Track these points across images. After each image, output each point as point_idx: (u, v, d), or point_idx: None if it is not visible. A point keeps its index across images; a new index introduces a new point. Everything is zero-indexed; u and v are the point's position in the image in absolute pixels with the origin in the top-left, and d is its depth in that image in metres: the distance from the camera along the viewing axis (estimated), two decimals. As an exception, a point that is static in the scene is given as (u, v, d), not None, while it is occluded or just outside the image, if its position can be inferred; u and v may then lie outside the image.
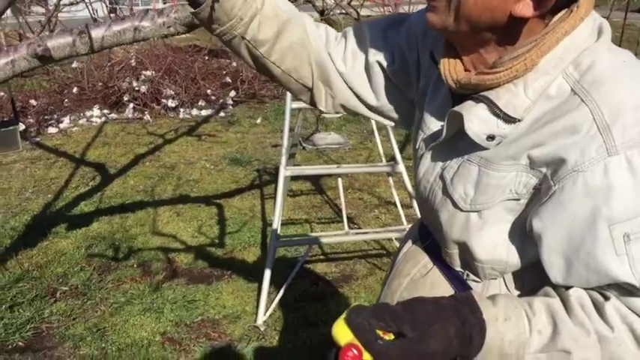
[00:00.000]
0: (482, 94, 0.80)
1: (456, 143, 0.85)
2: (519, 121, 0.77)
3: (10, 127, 2.13)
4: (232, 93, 7.28)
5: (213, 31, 0.93)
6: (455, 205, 0.87)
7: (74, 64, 7.20)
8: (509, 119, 0.78)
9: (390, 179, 3.54)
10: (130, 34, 2.06)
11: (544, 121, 0.76)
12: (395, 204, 3.50)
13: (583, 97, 0.73)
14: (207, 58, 7.99)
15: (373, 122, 3.44)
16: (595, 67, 0.75)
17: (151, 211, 3.97)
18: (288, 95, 2.93)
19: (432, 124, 0.92)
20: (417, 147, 0.96)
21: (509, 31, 0.78)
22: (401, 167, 2.98)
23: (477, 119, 0.79)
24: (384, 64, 1.01)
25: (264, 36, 0.95)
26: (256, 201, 4.22)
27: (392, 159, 3.19)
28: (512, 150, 0.79)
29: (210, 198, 4.27)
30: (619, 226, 0.70)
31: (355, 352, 0.71)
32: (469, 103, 0.81)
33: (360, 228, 3.74)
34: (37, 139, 5.59)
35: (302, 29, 0.99)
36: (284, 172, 2.79)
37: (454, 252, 0.93)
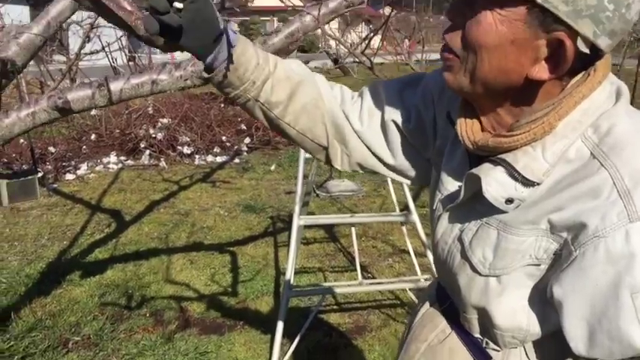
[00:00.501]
0: (500, 156, 0.79)
1: (474, 205, 0.84)
2: (538, 184, 0.77)
3: (29, 177, 2.16)
4: (247, 140, 7.36)
5: (227, 94, 0.94)
6: (473, 269, 0.85)
7: (93, 112, 7.35)
8: (527, 182, 0.77)
9: (404, 228, 3.52)
10: (147, 87, 2.11)
11: (564, 185, 0.75)
12: (409, 252, 3.47)
13: (602, 161, 0.73)
14: (222, 105, 8.13)
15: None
16: (614, 131, 0.74)
17: (164, 259, 3.97)
18: (302, 145, 2.96)
19: (450, 185, 0.91)
20: (434, 207, 0.95)
21: (526, 93, 0.78)
22: (414, 217, 2.97)
23: (495, 182, 0.79)
24: (400, 123, 1.02)
25: (277, 98, 0.96)
26: (270, 249, 4.21)
27: (405, 207, 3.18)
28: (532, 214, 0.78)
29: (223, 245, 4.27)
30: None
31: None
32: (487, 165, 0.81)
33: (373, 277, 3.70)
34: (55, 185, 5.67)
35: (315, 90, 1.01)
36: (297, 222, 2.79)
37: (473, 317, 0.91)
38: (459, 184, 0.88)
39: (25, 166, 5.85)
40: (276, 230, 4.61)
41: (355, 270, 3.42)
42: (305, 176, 3.16)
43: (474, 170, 0.82)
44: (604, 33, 0.70)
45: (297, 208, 2.82)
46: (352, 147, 1.05)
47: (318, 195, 5.56)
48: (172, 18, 0.77)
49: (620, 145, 0.73)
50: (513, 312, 0.84)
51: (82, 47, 4.59)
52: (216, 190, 5.67)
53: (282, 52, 2.08)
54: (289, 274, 2.69)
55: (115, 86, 2.08)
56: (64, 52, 9.83)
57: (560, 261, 0.77)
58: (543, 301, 0.81)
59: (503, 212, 0.80)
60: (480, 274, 0.85)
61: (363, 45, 6.61)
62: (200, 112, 7.39)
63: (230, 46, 0.87)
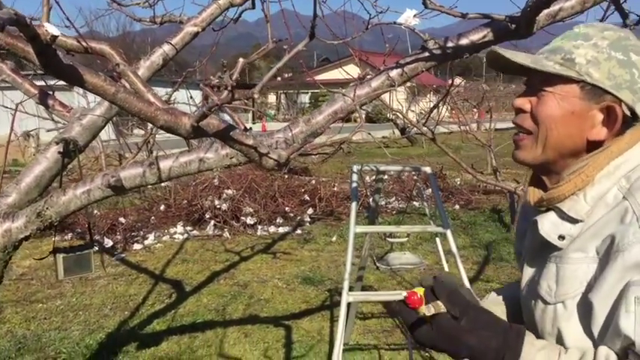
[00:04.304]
0: (554, 205, 0.99)
1: (542, 253, 1.03)
2: (581, 221, 0.96)
3: (84, 252, 2.26)
4: (310, 210, 7.41)
5: None
6: (543, 300, 1.00)
7: (163, 183, 7.66)
8: (573, 220, 0.97)
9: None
10: (195, 165, 2.16)
11: (602, 220, 0.94)
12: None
13: (628, 196, 0.93)
14: (286, 176, 8.28)
15: (439, 246, 3.35)
16: None
17: (219, 332, 3.96)
18: (352, 218, 2.93)
19: (528, 245, 1.10)
20: (521, 268, 1.13)
21: (592, 150, 0.98)
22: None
23: (547, 222, 0.99)
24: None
25: None
26: (325, 323, 4.13)
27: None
28: (578, 244, 0.95)
29: (279, 319, 4.23)
30: (635, 288, 0.85)
31: (418, 297, 0.94)
32: (543, 213, 1.01)
33: (432, 358, 3.53)
34: (123, 255, 5.87)
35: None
36: (346, 299, 2.73)
37: None
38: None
39: (98, 237, 6.11)
40: (333, 304, 4.53)
41: (414, 349, 3.29)
42: (358, 249, 3.11)
43: (534, 218, 1.02)
44: (639, 100, 0.94)
45: (345, 285, 2.76)
46: None
47: (378, 268, 5.47)
48: None
49: None
50: (582, 334, 0.94)
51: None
52: (276, 262, 5.69)
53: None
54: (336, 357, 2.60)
55: (165, 165, 2.15)
56: (142, 126, 10.43)
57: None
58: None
59: (559, 249, 0.98)
60: (549, 304, 0.99)
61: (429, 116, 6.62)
62: (264, 183, 7.54)
63: None
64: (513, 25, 1.87)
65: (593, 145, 0.97)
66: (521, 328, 0.95)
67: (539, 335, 1.03)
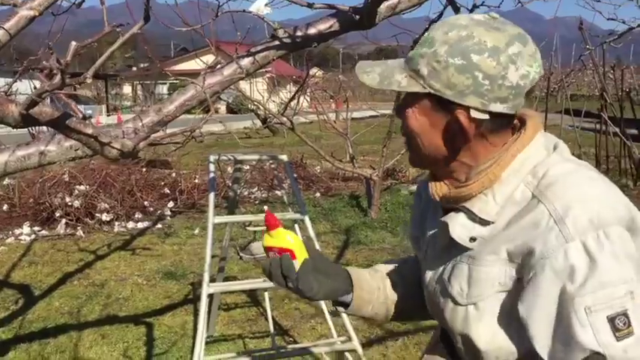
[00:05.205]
0: (461, 204, 0.99)
1: (450, 250, 1.03)
2: (492, 223, 0.96)
3: None
4: (171, 204, 7.21)
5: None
6: (454, 301, 1.01)
7: (5, 181, 7.03)
8: (484, 222, 0.97)
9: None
10: (35, 159, 2.01)
11: (514, 221, 0.94)
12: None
13: (540, 197, 0.92)
14: (144, 169, 7.97)
15: (298, 231, 3.42)
16: (548, 174, 0.94)
17: (73, 335, 3.74)
18: (211, 209, 2.90)
19: (431, 240, 1.10)
20: (422, 258, 1.15)
21: (468, 155, 0.98)
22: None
23: (458, 225, 0.99)
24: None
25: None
26: (188, 317, 4.05)
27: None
28: (492, 246, 0.96)
29: (139, 317, 4.08)
30: (580, 300, 0.84)
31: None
32: (452, 213, 1.01)
33: (295, 341, 3.61)
34: (-41, 261, 5.32)
35: (415, 274, 1.23)
36: (207, 290, 2.70)
37: (460, 346, 1.04)
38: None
39: None
40: (196, 297, 4.45)
41: (277, 334, 3.35)
42: (221, 240, 3.08)
43: (443, 218, 1.02)
44: (492, 101, 0.92)
45: (205, 276, 2.74)
46: None
47: (241, 257, 5.47)
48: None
49: (553, 183, 0.92)
50: (493, 334, 0.97)
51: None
52: (135, 258, 5.47)
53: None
54: (198, 352, 2.57)
55: (-1, 159, 1.97)
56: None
57: (521, 284, 0.93)
58: (518, 321, 0.93)
59: (470, 249, 0.98)
60: (460, 305, 1.00)
61: (289, 106, 6.68)
62: (121, 177, 7.20)
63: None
64: (357, 16, 1.95)
65: (468, 149, 0.97)
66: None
67: (448, 330, 1.06)
